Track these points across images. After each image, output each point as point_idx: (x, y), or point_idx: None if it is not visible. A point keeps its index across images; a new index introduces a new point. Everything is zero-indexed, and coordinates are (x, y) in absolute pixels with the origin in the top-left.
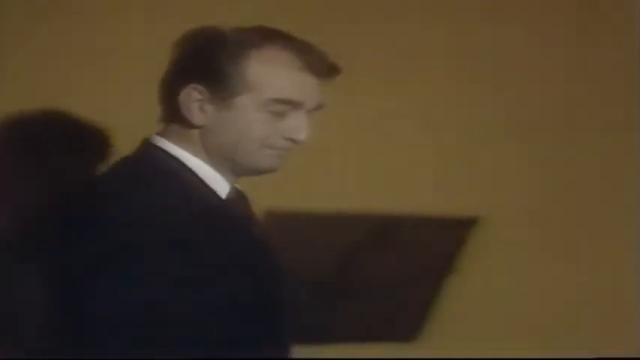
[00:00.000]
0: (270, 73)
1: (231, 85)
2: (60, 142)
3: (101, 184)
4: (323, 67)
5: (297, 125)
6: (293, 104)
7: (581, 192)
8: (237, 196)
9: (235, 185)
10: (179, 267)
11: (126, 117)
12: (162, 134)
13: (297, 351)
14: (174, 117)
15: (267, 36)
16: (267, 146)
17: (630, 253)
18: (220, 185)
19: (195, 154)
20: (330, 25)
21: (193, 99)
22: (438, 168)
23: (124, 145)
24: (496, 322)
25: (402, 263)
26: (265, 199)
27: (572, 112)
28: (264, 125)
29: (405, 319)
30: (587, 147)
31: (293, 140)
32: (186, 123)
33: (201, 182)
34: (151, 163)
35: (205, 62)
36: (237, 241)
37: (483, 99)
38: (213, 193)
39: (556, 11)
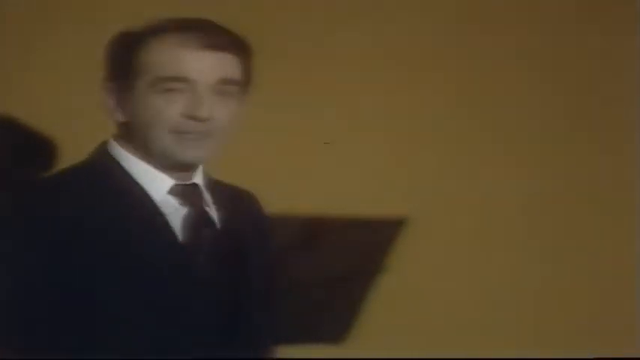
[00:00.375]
0: (157, 55)
1: (129, 73)
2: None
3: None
4: (219, 40)
5: (195, 101)
6: (182, 81)
7: (579, 192)
8: (191, 191)
9: (193, 182)
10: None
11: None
12: (118, 137)
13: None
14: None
15: (174, 23)
16: (175, 131)
17: (630, 253)
18: (158, 183)
19: (134, 152)
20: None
21: (108, 97)
22: (366, 169)
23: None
24: (426, 322)
25: (331, 264)
26: None
27: (564, 113)
28: (163, 106)
29: (334, 320)
30: (582, 145)
31: (194, 117)
32: (120, 124)
33: (132, 182)
34: (89, 165)
35: (111, 59)
36: (147, 242)
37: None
38: (141, 191)
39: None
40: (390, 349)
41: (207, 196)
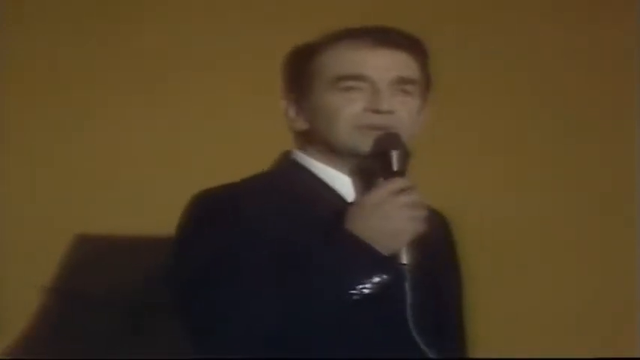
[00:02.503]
0: (333, 57)
1: (307, 80)
2: None
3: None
4: (392, 39)
5: (375, 96)
6: (360, 79)
7: (579, 192)
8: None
9: None
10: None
11: None
12: (300, 146)
13: None
14: (294, 131)
15: (348, 31)
16: (358, 125)
17: (630, 253)
18: (348, 188)
19: (319, 159)
20: None
21: (287, 107)
22: None
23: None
24: None
25: None
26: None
27: (564, 114)
28: (344, 103)
29: None
30: (582, 144)
31: (376, 110)
32: (300, 134)
33: (325, 187)
34: (278, 176)
35: (289, 71)
36: None
37: None
38: (336, 196)
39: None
40: None
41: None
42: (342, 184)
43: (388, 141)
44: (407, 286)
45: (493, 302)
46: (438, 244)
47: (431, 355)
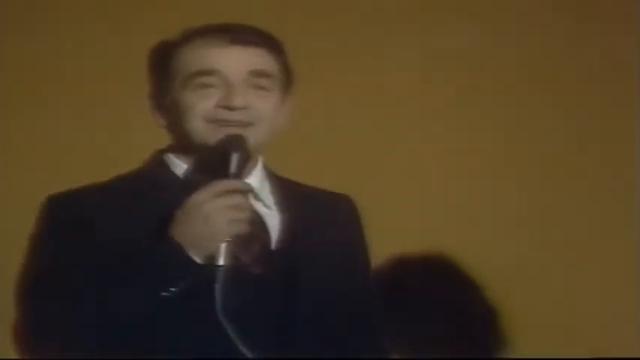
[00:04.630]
0: (186, 56)
1: (164, 81)
2: None
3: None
4: (245, 36)
5: (228, 92)
6: (211, 74)
7: (579, 192)
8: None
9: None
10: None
11: None
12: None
13: None
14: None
15: (203, 28)
16: (212, 120)
17: (630, 253)
18: None
19: (178, 156)
20: None
21: (151, 104)
22: None
23: None
24: None
25: None
26: None
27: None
28: (198, 101)
29: None
30: (582, 144)
31: (228, 107)
32: (167, 132)
33: (181, 184)
34: (140, 175)
35: (150, 68)
36: None
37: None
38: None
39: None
40: None
41: (266, 198)
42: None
43: (230, 142)
44: (217, 287)
45: (493, 302)
46: (319, 230)
47: (250, 355)
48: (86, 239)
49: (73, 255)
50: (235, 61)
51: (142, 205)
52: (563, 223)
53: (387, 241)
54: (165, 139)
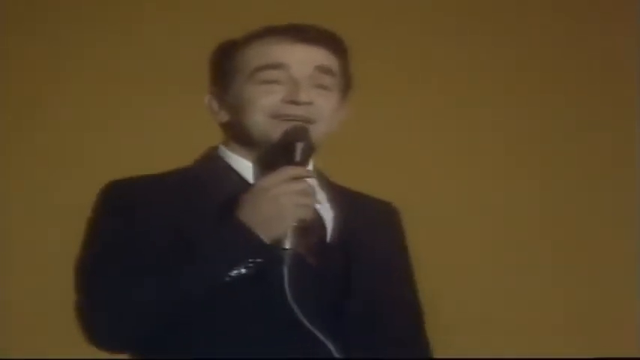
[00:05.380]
0: (253, 52)
1: (229, 74)
2: None
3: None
4: (312, 35)
5: (294, 87)
6: (278, 67)
7: (579, 192)
8: None
9: None
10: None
11: None
12: (225, 139)
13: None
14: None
15: (269, 28)
16: (276, 115)
17: (630, 253)
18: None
19: (237, 151)
20: None
21: (210, 101)
22: None
23: None
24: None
25: None
26: None
27: (564, 114)
28: (263, 95)
29: None
30: (582, 144)
31: (294, 101)
32: (223, 127)
33: (240, 179)
34: (196, 169)
35: (213, 65)
36: None
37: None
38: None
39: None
40: None
41: (319, 193)
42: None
43: (295, 133)
44: (285, 269)
45: (493, 302)
46: (368, 231)
47: (320, 336)
48: (145, 223)
49: (134, 236)
50: (301, 57)
51: (201, 194)
52: (563, 223)
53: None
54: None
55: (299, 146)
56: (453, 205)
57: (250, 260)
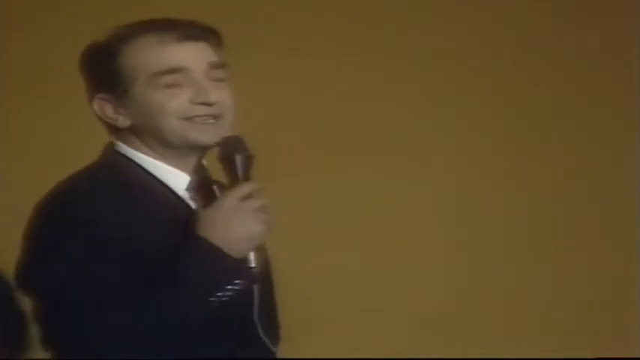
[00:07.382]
0: (143, 55)
1: (121, 81)
2: None
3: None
4: (196, 32)
5: (199, 89)
6: (178, 71)
7: (579, 191)
8: (203, 179)
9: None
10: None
11: None
12: (119, 139)
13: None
14: (110, 127)
15: (141, 26)
16: (186, 117)
17: (630, 253)
18: (176, 178)
19: (148, 153)
20: None
21: (105, 106)
22: None
23: None
24: (431, 320)
25: None
26: None
27: (564, 113)
28: (169, 99)
29: None
30: (582, 144)
31: (204, 103)
32: (119, 129)
33: (151, 178)
34: (108, 170)
35: (92, 71)
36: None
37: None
38: (164, 187)
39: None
40: None
41: (218, 193)
42: (175, 178)
43: (231, 145)
44: (255, 288)
45: (493, 302)
46: None
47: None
48: (98, 240)
49: (98, 260)
50: (194, 56)
51: (132, 202)
52: (563, 223)
53: None
54: None
55: (239, 160)
56: (452, 205)
57: (236, 282)
